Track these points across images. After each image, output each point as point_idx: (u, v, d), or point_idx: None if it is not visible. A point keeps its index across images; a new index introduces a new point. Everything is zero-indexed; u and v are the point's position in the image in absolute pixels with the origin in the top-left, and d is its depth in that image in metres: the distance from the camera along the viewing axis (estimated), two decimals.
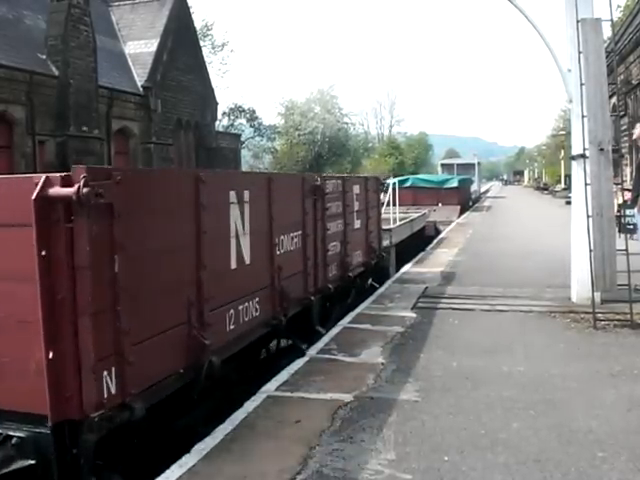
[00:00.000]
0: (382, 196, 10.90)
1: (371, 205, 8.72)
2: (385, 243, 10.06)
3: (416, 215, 16.68)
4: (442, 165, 46.43)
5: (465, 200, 28.00)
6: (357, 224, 7.97)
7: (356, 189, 7.91)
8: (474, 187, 37.63)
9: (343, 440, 3.55)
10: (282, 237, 5.31)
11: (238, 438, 3.63)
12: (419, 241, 15.10)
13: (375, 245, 8.93)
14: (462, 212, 24.38)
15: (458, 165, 42.98)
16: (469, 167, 42.05)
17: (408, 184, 24.59)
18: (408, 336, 5.83)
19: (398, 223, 12.45)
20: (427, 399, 4.19)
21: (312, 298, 6.03)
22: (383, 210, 10.77)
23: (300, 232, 5.78)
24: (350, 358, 5.17)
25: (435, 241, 15.01)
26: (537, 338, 5.70)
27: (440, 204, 23.73)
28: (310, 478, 3.11)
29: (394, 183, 25.81)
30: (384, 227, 10.32)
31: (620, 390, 4.26)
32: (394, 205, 13.26)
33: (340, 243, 7.14)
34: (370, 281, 8.95)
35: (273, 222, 5.06)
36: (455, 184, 25.21)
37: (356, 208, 7.86)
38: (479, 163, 45.73)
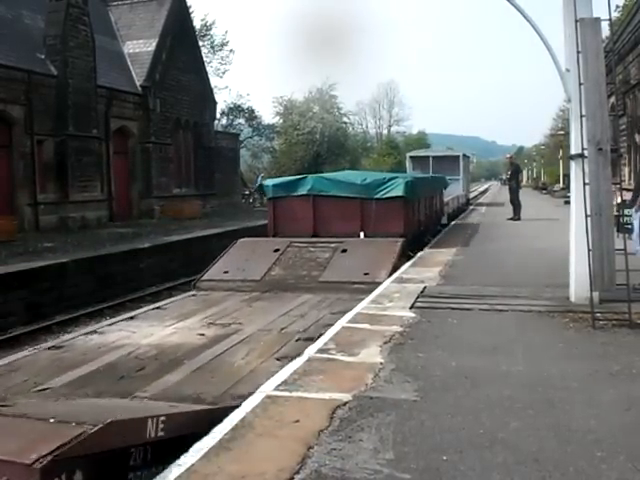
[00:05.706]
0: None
1: None
2: None
3: None
4: (411, 158, 28.97)
5: (422, 222, 14.27)
6: None
7: None
8: (457, 191, 25.21)
9: (342, 440, 3.54)
10: None
11: (237, 438, 3.62)
12: None
13: None
14: (413, 249, 11.73)
15: (434, 158, 27.84)
16: (451, 161, 27.91)
17: (304, 191, 12.57)
18: (407, 335, 5.83)
19: None
20: (426, 399, 4.18)
21: None
22: None
23: None
24: (349, 358, 5.16)
25: None
26: (536, 338, 5.69)
27: (362, 233, 11.95)
28: (308, 477, 3.11)
29: (265, 187, 13.40)
30: None
31: (619, 389, 4.26)
32: None
33: None
34: None
35: None
36: (399, 191, 11.99)
37: None
38: (466, 156, 30.83)
